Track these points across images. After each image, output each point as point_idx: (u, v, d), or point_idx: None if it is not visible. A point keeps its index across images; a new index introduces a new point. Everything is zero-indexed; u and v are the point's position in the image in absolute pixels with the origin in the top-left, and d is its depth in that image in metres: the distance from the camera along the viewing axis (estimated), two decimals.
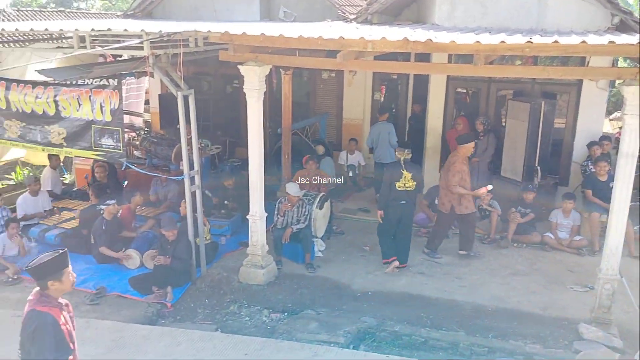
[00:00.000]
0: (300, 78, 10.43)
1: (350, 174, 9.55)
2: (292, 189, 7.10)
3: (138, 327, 5.67)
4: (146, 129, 10.78)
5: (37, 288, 3.24)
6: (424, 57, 8.18)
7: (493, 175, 8.61)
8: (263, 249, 6.69)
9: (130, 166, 6.95)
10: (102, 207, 7.19)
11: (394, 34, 5.30)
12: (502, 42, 4.92)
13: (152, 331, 5.58)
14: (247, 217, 6.66)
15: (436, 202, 8.12)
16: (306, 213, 7.14)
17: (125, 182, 9.49)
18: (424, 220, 8.11)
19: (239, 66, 6.21)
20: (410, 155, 6.95)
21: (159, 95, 10.59)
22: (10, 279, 6.77)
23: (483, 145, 8.58)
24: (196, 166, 6.67)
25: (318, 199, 7.38)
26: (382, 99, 10.87)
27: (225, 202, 8.28)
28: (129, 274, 6.77)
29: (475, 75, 8.47)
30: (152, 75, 10.60)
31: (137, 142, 9.69)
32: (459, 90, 9.53)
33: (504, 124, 9.09)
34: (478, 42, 4.98)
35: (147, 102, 12.20)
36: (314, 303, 6.19)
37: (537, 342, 5.34)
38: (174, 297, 6.37)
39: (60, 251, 3.27)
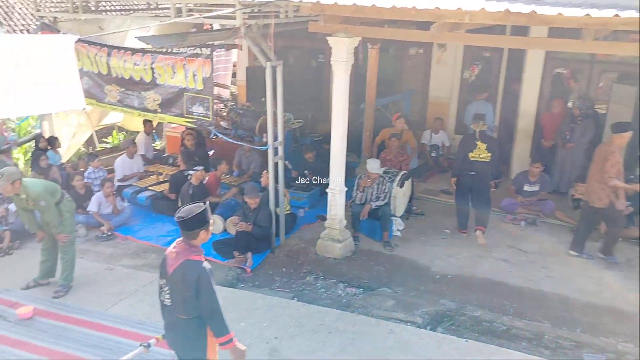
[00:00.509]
0: (386, 53, 10.20)
1: (433, 154, 9.29)
2: (372, 165, 7.00)
3: (220, 288, 5.78)
4: (232, 101, 11.06)
5: (181, 239, 3.45)
6: (520, 33, 7.72)
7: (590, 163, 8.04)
8: (341, 223, 6.68)
9: (218, 134, 7.14)
10: (191, 172, 7.47)
11: (494, 5, 5.00)
12: (616, 15, 4.50)
13: (233, 293, 5.75)
14: (327, 190, 6.67)
15: (526, 187, 7.73)
16: (386, 190, 7.02)
17: (212, 151, 9.80)
18: (511, 206, 7.73)
19: (328, 37, 6.14)
20: (486, 127, 6.99)
21: (247, 68, 10.78)
22: (104, 235, 7.23)
23: (580, 131, 8.02)
24: (280, 137, 6.73)
25: (399, 176, 7.24)
26: (473, 78, 10.42)
27: (305, 171, 8.32)
28: (212, 238, 6.97)
29: (578, 55, 7.92)
30: (240, 48, 10.89)
31: (224, 113, 9.97)
32: (558, 71, 8.93)
33: (605, 109, 8.44)
34: (588, 15, 4.59)
35: (234, 75, 12.48)
36: (390, 281, 6.12)
37: (631, 342, 4.97)
38: (254, 263, 6.53)
39: (203, 204, 3.45)
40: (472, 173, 6.83)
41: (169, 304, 3.45)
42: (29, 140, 8.78)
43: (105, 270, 6.31)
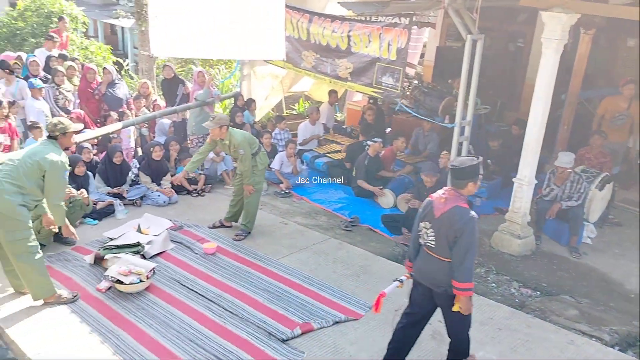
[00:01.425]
0: (597, 43, 9.06)
1: None
2: (563, 158, 6.26)
3: (385, 261, 5.79)
4: (417, 80, 10.84)
5: (449, 187, 3.65)
6: None
7: None
8: (524, 218, 6.13)
9: (405, 108, 7.02)
10: (369, 142, 7.47)
11: None
12: None
13: (397, 269, 5.59)
14: (513, 180, 6.15)
15: None
16: (581, 190, 6.25)
17: (389, 129, 9.74)
18: None
19: (542, 12, 5.57)
20: None
21: (437, 47, 10.43)
22: (282, 192, 7.61)
23: None
24: (469, 117, 6.37)
25: (600, 178, 6.38)
26: None
27: (488, 160, 7.82)
28: (382, 212, 6.97)
29: None
30: (434, 27, 10.58)
31: (408, 91, 9.81)
32: None
33: None
34: None
35: (421, 55, 12.20)
36: (573, 290, 5.46)
37: None
38: None
39: (476, 158, 3.63)
40: None
41: (433, 245, 3.61)
42: (229, 97, 9.58)
43: (280, 223, 6.63)
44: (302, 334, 4.44)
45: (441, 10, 7.52)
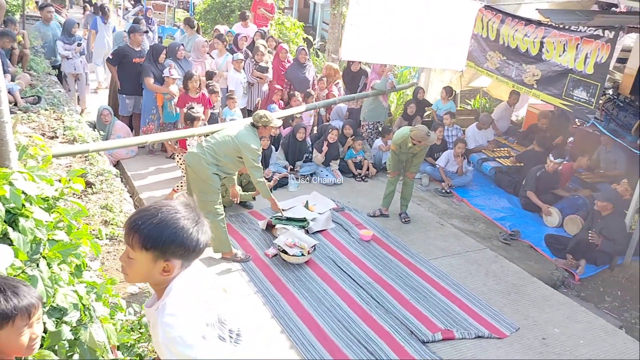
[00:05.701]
0: None
1: None
2: None
3: (540, 284, 5.58)
4: (612, 90, 9.84)
5: None
6: None
7: None
8: None
9: (598, 125, 6.54)
10: (551, 159, 7.06)
11: None
12: None
13: (552, 295, 5.40)
14: None
15: None
16: None
17: (570, 139, 9.08)
18: None
19: None
20: None
21: None
22: (442, 191, 7.60)
23: None
24: None
25: None
26: None
27: None
28: (547, 230, 6.67)
29: None
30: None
31: (599, 102, 9.01)
32: None
33: None
34: None
35: (620, 60, 10.96)
36: None
37: None
38: (585, 273, 5.95)
39: None
40: None
41: None
42: (406, 88, 9.71)
43: (437, 223, 6.70)
44: (442, 340, 4.57)
45: None
